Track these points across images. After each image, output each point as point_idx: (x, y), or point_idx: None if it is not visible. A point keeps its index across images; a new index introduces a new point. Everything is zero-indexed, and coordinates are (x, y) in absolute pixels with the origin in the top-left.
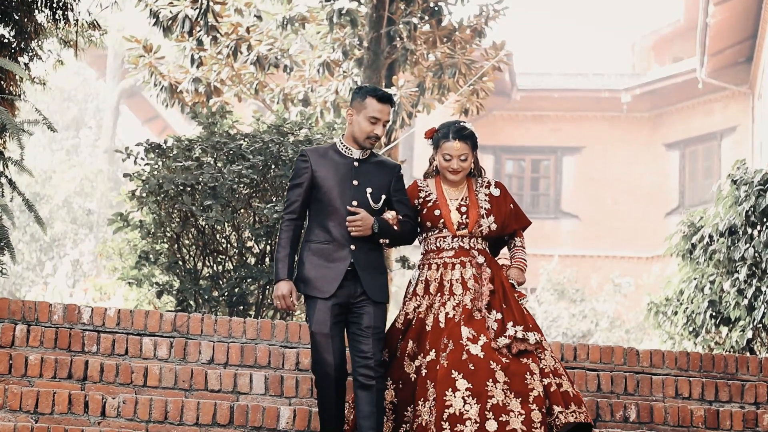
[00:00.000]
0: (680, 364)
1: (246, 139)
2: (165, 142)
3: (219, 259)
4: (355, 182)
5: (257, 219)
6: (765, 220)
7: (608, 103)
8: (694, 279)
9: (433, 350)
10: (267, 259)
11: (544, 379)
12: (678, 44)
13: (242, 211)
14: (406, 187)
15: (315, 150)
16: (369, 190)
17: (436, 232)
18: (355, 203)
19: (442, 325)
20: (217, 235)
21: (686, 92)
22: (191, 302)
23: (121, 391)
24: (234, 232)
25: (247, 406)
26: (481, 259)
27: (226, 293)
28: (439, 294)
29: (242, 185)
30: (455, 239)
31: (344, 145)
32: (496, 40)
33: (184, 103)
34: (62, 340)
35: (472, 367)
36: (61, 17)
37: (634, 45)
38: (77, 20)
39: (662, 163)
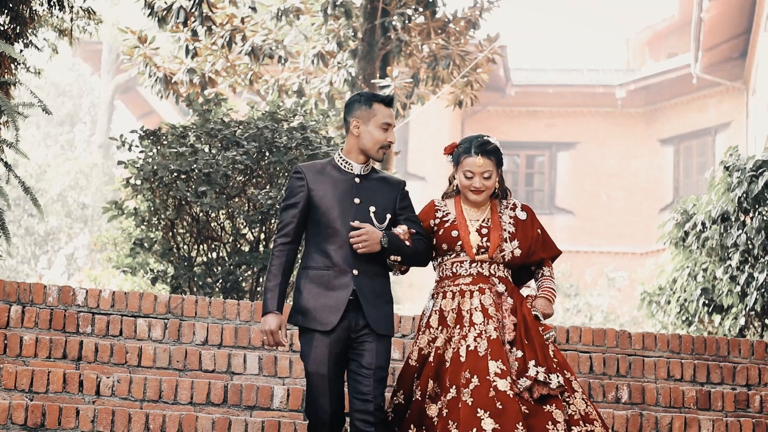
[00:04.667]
0: (672, 347)
1: (240, 126)
2: (159, 129)
3: (213, 246)
4: (356, 200)
5: (251, 206)
6: (757, 206)
7: (603, 98)
8: (687, 267)
9: (454, 387)
10: (261, 246)
11: (573, 428)
12: (673, 40)
13: (236, 198)
14: (423, 207)
15: (311, 166)
16: (372, 209)
17: (453, 255)
18: (357, 222)
19: (462, 359)
20: (212, 222)
21: (681, 88)
22: (185, 289)
23: (116, 371)
24: (228, 219)
25: (241, 385)
26: (501, 288)
27: (220, 280)
28: (458, 326)
29: (236, 172)
30: (473, 264)
31: (344, 160)
32: (491, 33)
33: (179, 94)
34: (57, 321)
35: (500, 406)
36: (56, 4)
37: (629, 40)
38: (72, 7)
39: (657, 159)
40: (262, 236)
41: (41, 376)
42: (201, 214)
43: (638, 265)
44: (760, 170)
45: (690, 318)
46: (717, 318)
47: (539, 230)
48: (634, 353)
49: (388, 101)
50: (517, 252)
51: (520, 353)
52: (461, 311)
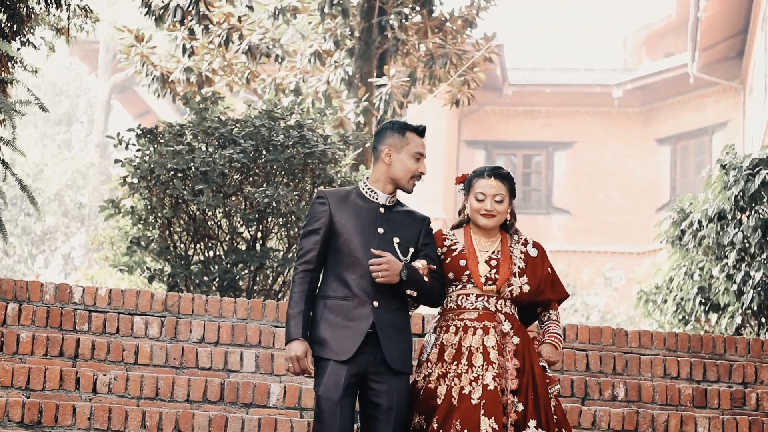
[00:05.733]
0: (668, 345)
1: (237, 125)
2: (156, 127)
3: (210, 245)
4: (380, 230)
5: (248, 204)
6: (754, 204)
7: (600, 98)
8: (684, 266)
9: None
10: (257, 245)
11: None
12: (670, 39)
13: (233, 197)
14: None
15: (335, 192)
16: (396, 240)
17: (458, 287)
18: (379, 252)
19: (455, 402)
20: (209, 221)
21: (678, 87)
22: (182, 287)
23: (113, 369)
24: (225, 218)
25: (238, 383)
26: (507, 326)
27: (217, 278)
28: (455, 362)
29: (233, 170)
30: (480, 298)
31: (369, 189)
32: (488, 32)
33: (176, 93)
34: (54, 318)
35: None
36: (53, 2)
37: (626, 40)
38: (69, 5)
39: (654, 158)
40: (259, 234)
41: (38, 374)
42: (198, 213)
43: (635, 264)
44: (757, 169)
45: (687, 317)
46: (714, 317)
47: (549, 269)
48: (630, 351)
49: (421, 131)
50: (526, 288)
51: (521, 407)
52: (461, 347)
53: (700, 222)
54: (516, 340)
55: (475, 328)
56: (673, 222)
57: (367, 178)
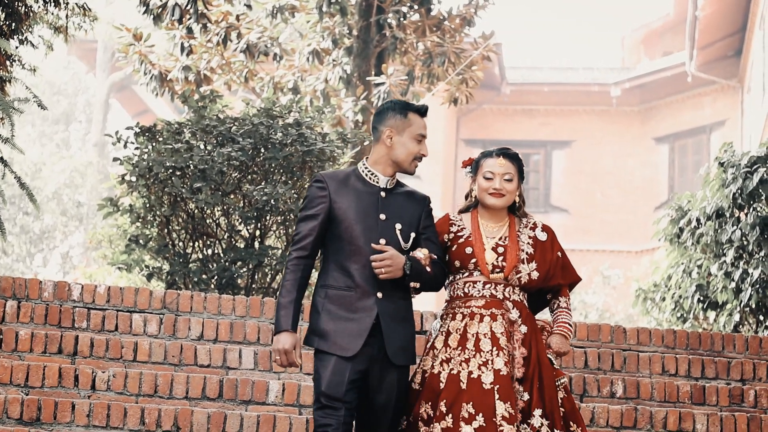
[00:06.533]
0: (667, 342)
1: (235, 123)
2: (154, 125)
3: (208, 243)
4: (382, 216)
5: (246, 202)
6: (752, 202)
7: (598, 97)
8: (682, 263)
9: (450, 416)
10: (256, 243)
11: None
12: (668, 38)
13: (231, 195)
14: (437, 220)
15: (333, 175)
16: (398, 226)
17: (465, 274)
18: (383, 241)
19: (463, 386)
20: (207, 219)
21: (676, 86)
22: (181, 285)
23: (111, 366)
24: (223, 216)
25: (237, 380)
26: (515, 314)
27: (215, 276)
28: (460, 348)
29: (231, 168)
30: (487, 286)
31: (369, 171)
32: (486, 31)
33: (174, 91)
34: (52, 316)
35: None
36: (51, 0)
37: (624, 39)
38: (67, 3)
39: (652, 157)
40: (257, 232)
41: (37, 371)
42: (196, 211)
43: (633, 263)
44: (755, 166)
45: (685, 315)
46: (712, 314)
47: (559, 253)
48: (628, 348)
49: (423, 111)
50: (534, 275)
51: (527, 396)
52: (466, 333)
53: (698, 220)
54: (524, 328)
55: (482, 315)
56: (671, 220)
57: (366, 158)
